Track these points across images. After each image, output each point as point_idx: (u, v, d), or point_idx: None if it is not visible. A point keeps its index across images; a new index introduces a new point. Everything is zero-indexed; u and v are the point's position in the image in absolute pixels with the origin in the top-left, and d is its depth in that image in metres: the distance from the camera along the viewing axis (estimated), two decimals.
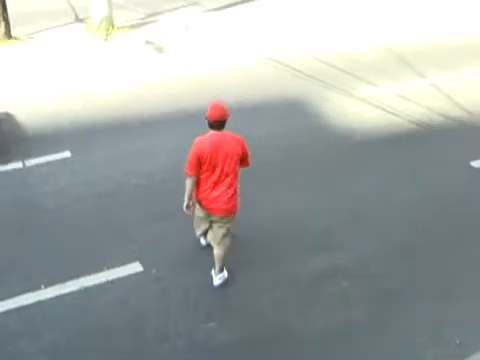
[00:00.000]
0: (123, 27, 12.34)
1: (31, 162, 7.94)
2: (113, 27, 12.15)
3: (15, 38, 11.56)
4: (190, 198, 5.73)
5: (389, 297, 6.09)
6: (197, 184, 5.70)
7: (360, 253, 6.59)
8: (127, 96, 9.66)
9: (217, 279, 6.21)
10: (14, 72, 10.30)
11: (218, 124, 5.54)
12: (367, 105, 9.83)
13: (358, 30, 12.85)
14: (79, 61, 10.81)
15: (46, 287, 5.98)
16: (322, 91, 10.10)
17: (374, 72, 10.89)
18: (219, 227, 5.89)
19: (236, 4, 13.85)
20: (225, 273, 6.27)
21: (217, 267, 6.16)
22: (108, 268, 6.18)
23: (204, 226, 6.02)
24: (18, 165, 7.91)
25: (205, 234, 6.16)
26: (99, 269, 6.17)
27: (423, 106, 9.80)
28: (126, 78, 10.35)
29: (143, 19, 12.87)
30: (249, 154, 5.84)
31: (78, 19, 12.83)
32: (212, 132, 5.60)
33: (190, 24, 12.45)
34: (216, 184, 5.64)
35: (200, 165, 5.56)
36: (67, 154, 8.10)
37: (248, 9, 13.57)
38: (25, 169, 7.80)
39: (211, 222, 5.92)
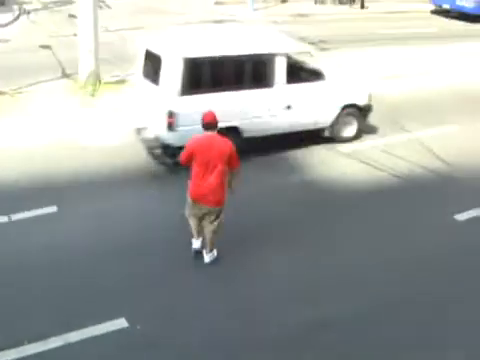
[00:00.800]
0: (110, 83, 12.59)
1: (17, 216, 7.97)
2: (100, 82, 12.40)
3: (2, 93, 11.76)
4: None
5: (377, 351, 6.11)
6: (190, 178, 6.93)
7: (347, 307, 6.65)
8: (112, 152, 9.73)
9: (207, 257, 7.26)
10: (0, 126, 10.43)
11: (210, 126, 6.86)
12: (351, 160, 10.04)
13: None
14: (66, 116, 10.92)
15: (29, 343, 5.96)
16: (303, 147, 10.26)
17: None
18: (210, 223, 7.05)
19: None
20: (215, 252, 7.29)
21: (208, 248, 7.24)
22: (93, 324, 6.18)
23: (195, 226, 7.17)
24: (4, 219, 7.95)
25: (198, 234, 7.25)
26: (84, 325, 6.16)
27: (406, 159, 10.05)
28: (112, 134, 10.42)
29: (129, 75, 13.03)
30: (237, 156, 6.90)
31: (65, 74, 13.08)
32: (206, 133, 6.87)
33: None
34: (205, 177, 6.83)
35: (191, 157, 6.81)
36: (53, 209, 8.15)
37: None
38: (10, 223, 7.84)
39: (203, 215, 7.03)
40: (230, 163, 6.90)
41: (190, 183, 7.03)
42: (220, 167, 6.83)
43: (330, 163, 9.97)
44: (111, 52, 14.11)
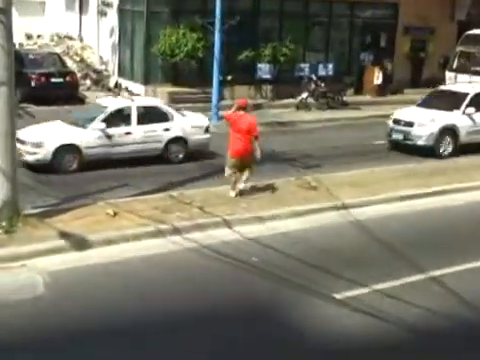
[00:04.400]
0: (32, 215, 12.10)
1: None
2: (18, 215, 11.75)
3: None
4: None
5: None
6: (229, 142, 13.74)
7: None
8: (33, 309, 9.34)
9: (242, 183, 13.80)
10: None
11: (241, 108, 13.79)
12: (349, 310, 9.66)
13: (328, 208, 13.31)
14: None
15: None
16: (291, 293, 10.07)
17: (356, 267, 10.92)
18: (242, 174, 13.72)
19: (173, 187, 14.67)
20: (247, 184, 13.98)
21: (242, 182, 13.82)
22: None
23: (233, 175, 13.75)
24: None
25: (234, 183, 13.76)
26: None
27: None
28: (33, 286, 10.04)
29: (58, 205, 12.89)
30: (257, 128, 13.67)
31: None
32: (239, 112, 13.79)
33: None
34: (237, 140, 13.54)
35: (230, 124, 13.81)
36: None
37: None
38: None
39: (238, 168, 13.69)
40: (252, 132, 13.57)
41: (229, 147, 13.90)
42: (248, 134, 13.53)
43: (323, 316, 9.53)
44: (34, 176, 14.58)
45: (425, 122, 18.67)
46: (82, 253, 10.98)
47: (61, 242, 11.10)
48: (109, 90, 25.95)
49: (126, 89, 25.70)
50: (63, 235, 11.27)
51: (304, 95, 24.85)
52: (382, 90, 27.63)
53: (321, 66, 27.47)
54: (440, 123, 18.59)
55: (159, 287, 9.99)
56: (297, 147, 18.80)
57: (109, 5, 27.15)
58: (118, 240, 11.40)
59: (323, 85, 25.31)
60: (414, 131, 18.58)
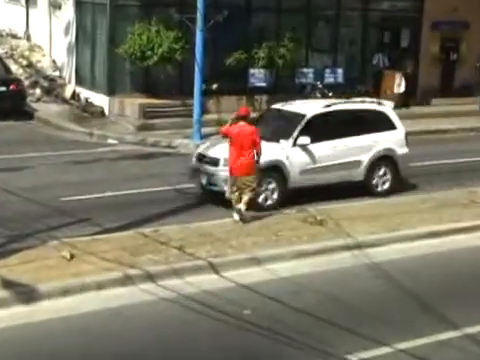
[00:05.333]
0: None
1: None
2: None
3: None
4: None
5: None
6: (229, 156, 14.85)
7: None
8: None
9: (242, 206, 14.65)
10: None
11: (242, 117, 14.84)
12: None
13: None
14: None
15: None
16: (294, 354, 10.04)
17: (373, 321, 10.97)
18: (245, 194, 14.64)
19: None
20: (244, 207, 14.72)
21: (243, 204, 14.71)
22: None
23: (234, 195, 14.78)
24: None
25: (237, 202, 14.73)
26: None
27: None
28: None
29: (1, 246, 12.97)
30: (259, 141, 14.66)
31: None
32: (239, 123, 14.74)
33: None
34: (239, 156, 14.58)
35: (230, 139, 14.79)
36: None
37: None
38: None
39: (239, 189, 14.69)
40: (255, 146, 14.68)
41: (230, 162, 15.08)
42: (250, 147, 14.68)
43: None
44: None
45: None
46: (31, 307, 10.97)
47: (4, 294, 11.07)
48: (65, 101, 25.89)
49: (86, 100, 25.71)
50: (7, 284, 11.25)
51: None
52: (404, 101, 27.80)
53: (328, 71, 27.89)
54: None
55: (127, 348, 9.99)
56: None
57: None
58: (76, 290, 11.40)
59: (331, 95, 25.40)
60: (218, 172, 16.20)
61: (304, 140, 16.46)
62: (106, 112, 25.24)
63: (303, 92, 25.67)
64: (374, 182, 17.43)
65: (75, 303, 11.13)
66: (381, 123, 17.64)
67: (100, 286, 11.55)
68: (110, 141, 22.74)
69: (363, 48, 29.00)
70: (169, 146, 22.58)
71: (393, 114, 18.02)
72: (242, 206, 14.53)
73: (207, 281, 11.97)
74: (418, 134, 23.85)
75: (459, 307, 11.48)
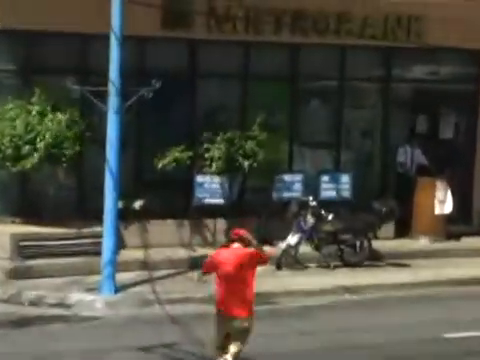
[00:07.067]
0: None
1: None
2: None
3: None
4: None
5: None
6: (216, 294, 15.98)
7: None
8: None
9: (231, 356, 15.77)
10: None
11: (239, 240, 15.81)
12: None
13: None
14: None
15: None
16: None
17: None
18: (234, 343, 15.44)
19: None
20: None
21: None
22: None
23: (220, 340, 15.73)
24: None
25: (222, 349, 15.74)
26: None
27: None
28: None
29: None
30: (259, 252, 15.75)
31: None
32: (233, 245, 15.97)
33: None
34: (233, 292, 15.65)
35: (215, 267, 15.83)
36: None
37: None
38: None
39: (228, 334, 15.67)
40: (259, 262, 15.76)
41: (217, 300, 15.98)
42: (244, 279, 15.74)
43: None
44: None
45: None
46: None
47: None
48: None
49: None
50: None
51: (292, 239, 24.53)
52: (452, 226, 27.59)
53: (326, 179, 27.27)
54: None
55: None
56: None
57: None
58: None
59: (331, 218, 25.00)
60: None
61: None
62: None
63: (285, 214, 24.84)
64: None
65: None
66: None
67: None
68: None
69: (383, 141, 28.60)
70: (61, 305, 21.78)
71: None
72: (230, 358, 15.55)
73: None
74: None
75: None
